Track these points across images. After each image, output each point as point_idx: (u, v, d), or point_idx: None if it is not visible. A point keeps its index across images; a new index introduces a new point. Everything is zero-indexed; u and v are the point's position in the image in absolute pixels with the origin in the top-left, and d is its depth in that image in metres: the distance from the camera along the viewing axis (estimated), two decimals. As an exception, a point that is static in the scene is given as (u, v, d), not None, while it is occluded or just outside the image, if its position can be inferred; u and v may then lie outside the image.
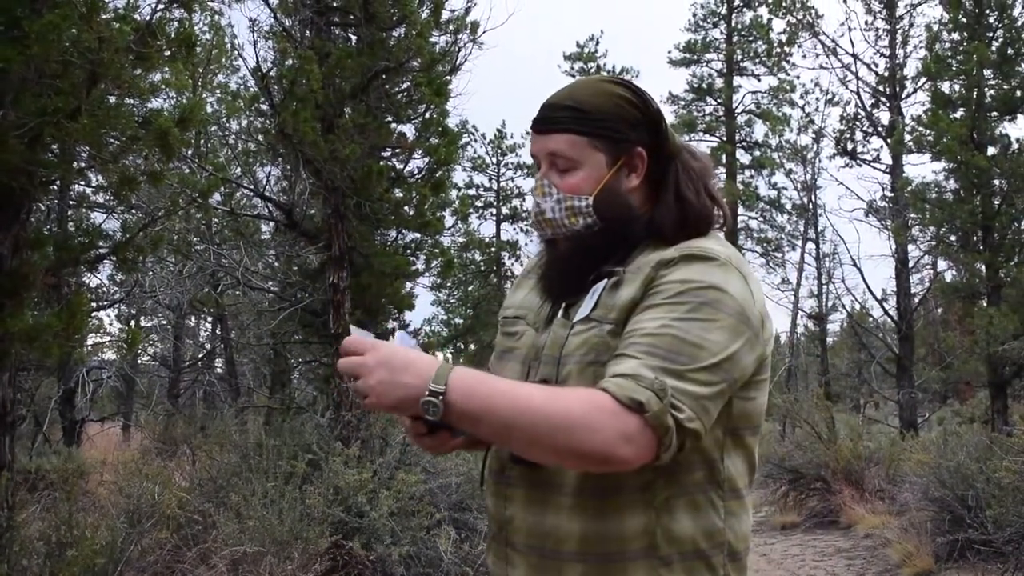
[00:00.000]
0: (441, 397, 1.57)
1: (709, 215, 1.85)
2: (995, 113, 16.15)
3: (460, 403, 1.57)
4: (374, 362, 1.61)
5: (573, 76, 33.90)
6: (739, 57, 29.85)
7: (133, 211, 11.47)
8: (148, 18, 5.80)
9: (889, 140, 19.58)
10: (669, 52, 30.65)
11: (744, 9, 29.80)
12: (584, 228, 1.83)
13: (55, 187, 9.31)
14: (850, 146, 21.16)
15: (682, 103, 30.08)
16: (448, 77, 10.96)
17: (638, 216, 1.85)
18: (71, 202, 13.67)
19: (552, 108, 1.85)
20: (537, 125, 1.87)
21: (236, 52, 16.20)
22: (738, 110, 30.04)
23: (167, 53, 5.73)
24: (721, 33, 30.21)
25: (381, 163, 10.73)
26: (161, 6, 5.81)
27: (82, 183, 9.48)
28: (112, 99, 5.89)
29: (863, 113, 21.03)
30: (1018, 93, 15.89)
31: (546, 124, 1.85)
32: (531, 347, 1.87)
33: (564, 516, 1.74)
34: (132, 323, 21.04)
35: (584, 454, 1.57)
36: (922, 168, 72.56)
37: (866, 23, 21.49)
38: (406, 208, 11.07)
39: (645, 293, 1.72)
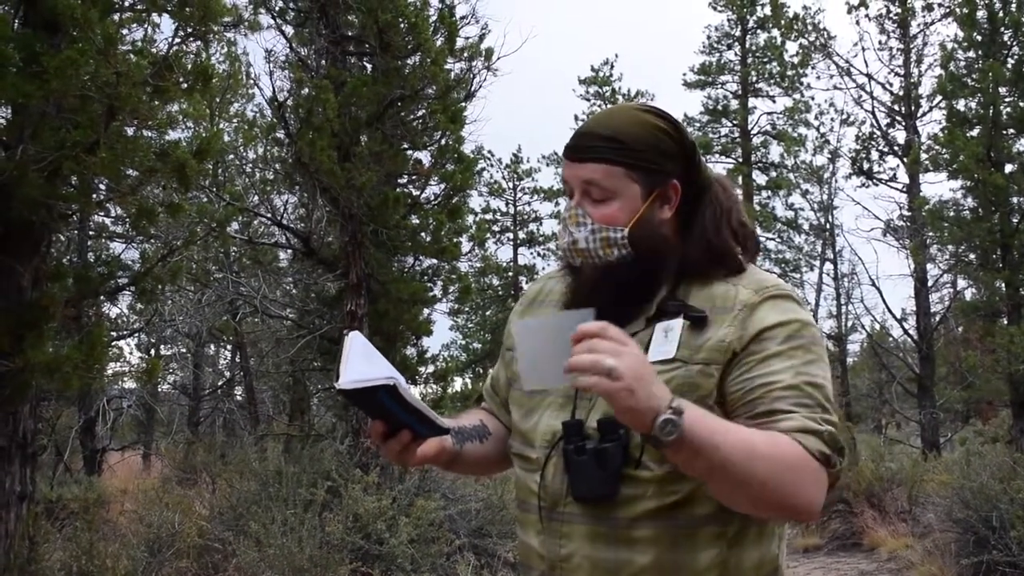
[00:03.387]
0: (682, 415, 1.49)
1: (729, 252, 1.84)
2: (1012, 131, 16.07)
3: (691, 431, 1.50)
4: (634, 354, 1.52)
5: (588, 100, 34.01)
6: (754, 78, 29.86)
7: (151, 241, 11.56)
8: (165, 51, 5.87)
9: (905, 159, 19.54)
10: (684, 74, 30.74)
11: (758, 31, 29.84)
12: (617, 259, 1.80)
13: (74, 219, 9.40)
14: (866, 166, 21.12)
15: (697, 125, 30.10)
16: (463, 104, 11.03)
17: (671, 248, 1.83)
18: (90, 232, 13.79)
19: (588, 136, 1.82)
20: (572, 152, 1.83)
21: (252, 81, 16.30)
22: (753, 131, 30.03)
23: (184, 85, 5.78)
24: (735, 55, 30.24)
25: (397, 190, 10.79)
26: (177, 39, 5.88)
27: (101, 214, 9.57)
28: (130, 132, 5.95)
29: (879, 132, 21.01)
30: (1034, 110, 15.84)
31: (582, 152, 1.81)
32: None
33: (637, 549, 1.71)
34: (152, 352, 21.14)
35: (787, 507, 1.61)
36: (939, 187, 72.33)
37: (880, 43, 21.39)
38: (423, 234, 11.11)
39: (742, 337, 1.72)
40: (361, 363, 1.70)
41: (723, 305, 1.76)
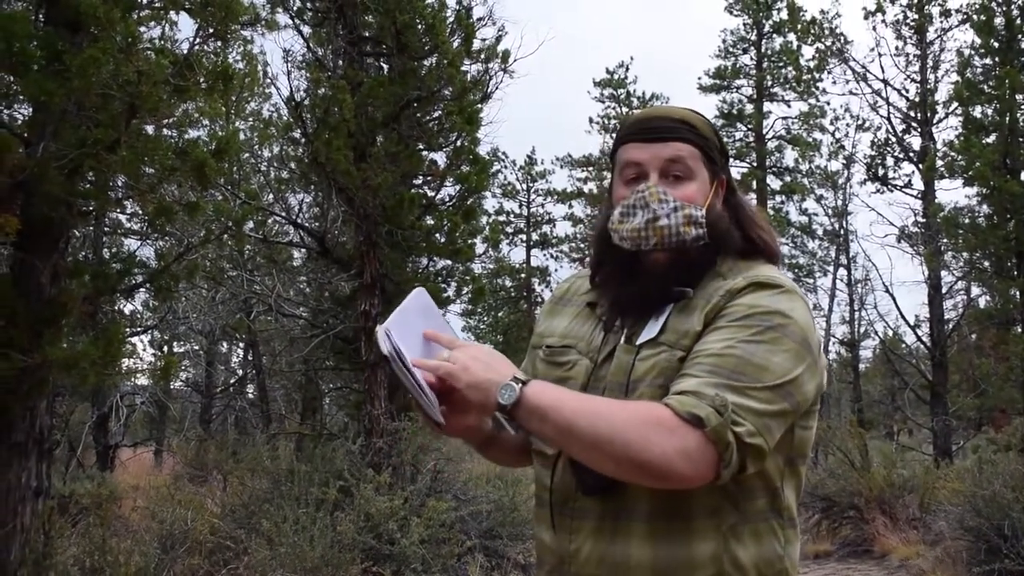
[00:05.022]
0: (521, 386, 1.66)
1: (775, 248, 1.90)
2: (1028, 138, 16.03)
3: (533, 396, 1.66)
4: (475, 347, 1.77)
5: (603, 102, 34.08)
6: (769, 83, 29.81)
7: (167, 238, 11.59)
8: (185, 51, 5.90)
9: (921, 165, 19.47)
10: (699, 78, 30.69)
11: (774, 35, 29.78)
12: (693, 239, 1.81)
13: (91, 215, 9.45)
14: (881, 172, 21.04)
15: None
16: (479, 105, 11.02)
17: (734, 236, 1.87)
18: (105, 229, 13.83)
19: (665, 119, 1.87)
20: (652, 133, 1.86)
21: (269, 80, 16.32)
22: (768, 136, 29.97)
23: (204, 85, 5.81)
24: (751, 59, 30.19)
25: (413, 191, 10.80)
26: (198, 39, 5.90)
27: (117, 211, 9.61)
28: (150, 130, 5.99)
29: (894, 138, 20.93)
30: (1051, 118, 15.78)
31: (664, 133, 1.85)
32: (587, 376, 1.86)
33: (635, 544, 1.73)
34: (165, 349, 21.22)
35: (640, 464, 1.60)
36: (954, 193, 72.14)
37: (896, 48, 21.36)
38: (437, 235, 11.12)
39: (715, 318, 1.74)
40: (404, 320, 1.81)
41: (709, 293, 1.79)
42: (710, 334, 1.72)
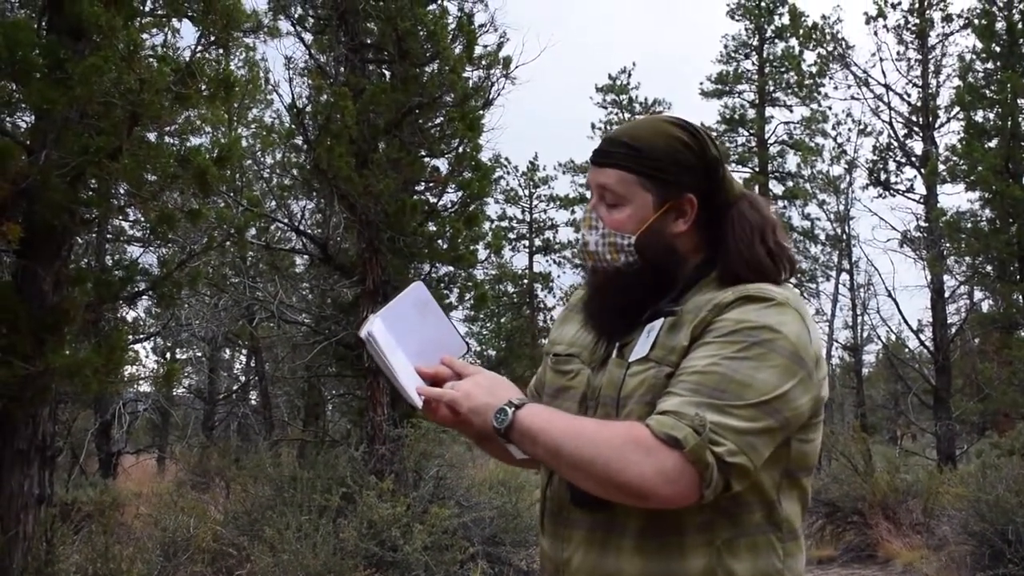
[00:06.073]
0: (514, 410, 1.70)
1: (761, 267, 1.80)
2: (1030, 142, 16.02)
3: (524, 419, 1.70)
4: (482, 374, 1.83)
5: (605, 108, 34.07)
6: (771, 88, 29.78)
7: (170, 245, 11.60)
8: (187, 58, 5.91)
9: (923, 170, 19.44)
10: (701, 83, 30.67)
11: (776, 40, 29.78)
12: (624, 265, 1.82)
13: (94, 223, 9.46)
14: (883, 176, 21.02)
15: (714, 134, 29.83)
16: (481, 112, 11.02)
17: (681, 261, 1.84)
18: (108, 236, 13.84)
19: (609, 142, 1.87)
20: (593, 157, 1.89)
21: (271, 87, 16.31)
22: (770, 141, 29.93)
23: (206, 93, 5.82)
24: (753, 64, 30.18)
25: (415, 197, 10.80)
26: (200, 47, 5.91)
27: (120, 218, 9.61)
28: (152, 138, 5.99)
29: (896, 143, 20.91)
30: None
31: (600, 157, 1.87)
32: (587, 386, 1.86)
33: (626, 557, 1.73)
34: (168, 355, 21.22)
35: (620, 485, 1.61)
36: (956, 198, 72.06)
37: (898, 53, 21.29)
38: (439, 242, 11.13)
39: (702, 334, 1.71)
40: (399, 312, 1.88)
41: (697, 307, 1.75)
42: (696, 350, 1.70)
